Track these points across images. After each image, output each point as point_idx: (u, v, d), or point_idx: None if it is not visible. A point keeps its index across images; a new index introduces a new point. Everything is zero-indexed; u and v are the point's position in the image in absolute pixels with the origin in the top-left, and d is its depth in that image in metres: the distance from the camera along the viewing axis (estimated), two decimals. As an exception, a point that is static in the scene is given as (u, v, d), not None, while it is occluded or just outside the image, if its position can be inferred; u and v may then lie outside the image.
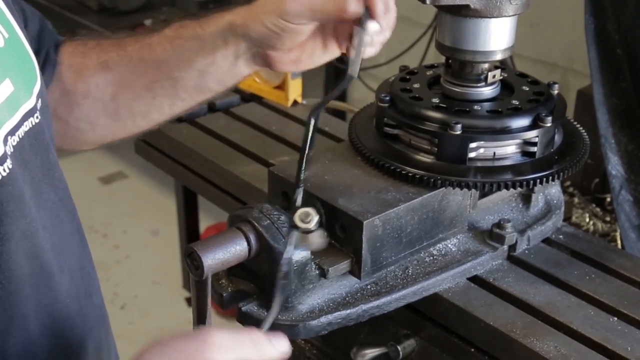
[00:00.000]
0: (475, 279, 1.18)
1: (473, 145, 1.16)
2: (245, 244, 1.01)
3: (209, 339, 0.78)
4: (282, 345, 0.82)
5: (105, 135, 1.17)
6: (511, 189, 1.17)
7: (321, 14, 0.98)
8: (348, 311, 1.08)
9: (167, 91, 1.10)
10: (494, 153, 1.18)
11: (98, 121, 1.13)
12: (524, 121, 1.17)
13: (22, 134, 0.85)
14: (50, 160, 0.91)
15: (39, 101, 0.89)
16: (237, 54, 1.06)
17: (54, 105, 1.04)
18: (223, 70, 1.08)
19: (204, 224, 2.91)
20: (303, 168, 0.96)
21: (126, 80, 1.10)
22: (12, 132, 0.82)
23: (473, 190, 1.17)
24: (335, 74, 2.99)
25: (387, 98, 1.23)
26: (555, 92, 1.25)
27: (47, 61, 1.08)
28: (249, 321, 1.07)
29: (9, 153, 0.80)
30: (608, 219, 1.74)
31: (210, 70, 1.07)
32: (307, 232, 0.94)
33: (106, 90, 1.11)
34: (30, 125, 0.86)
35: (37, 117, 0.88)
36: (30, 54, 0.91)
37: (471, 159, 1.17)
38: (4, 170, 0.78)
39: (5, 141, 0.80)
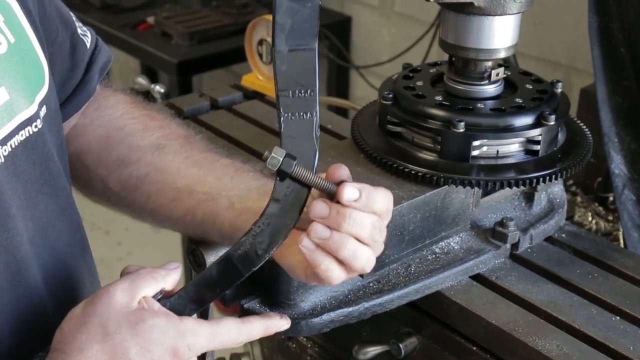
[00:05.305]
0: (477, 277, 1.18)
1: (476, 143, 1.16)
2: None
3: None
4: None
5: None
6: (514, 187, 1.17)
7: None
8: (350, 309, 1.08)
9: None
10: (497, 151, 1.17)
11: None
12: (527, 119, 1.17)
13: (17, 143, 0.82)
14: (51, 169, 0.89)
15: (43, 108, 0.86)
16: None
17: None
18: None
19: (206, 221, 2.89)
20: None
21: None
22: (3, 141, 0.80)
23: (476, 188, 1.17)
24: (337, 71, 2.99)
25: (390, 96, 1.22)
26: (559, 90, 1.25)
27: (84, 86, 1.01)
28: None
29: None
30: (611, 218, 1.74)
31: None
32: None
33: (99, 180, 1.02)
34: (27, 135, 0.84)
35: (36, 126, 0.85)
36: (40, 58, 0.87)
37: (474, 157, 1.17)
38: None
39: None
